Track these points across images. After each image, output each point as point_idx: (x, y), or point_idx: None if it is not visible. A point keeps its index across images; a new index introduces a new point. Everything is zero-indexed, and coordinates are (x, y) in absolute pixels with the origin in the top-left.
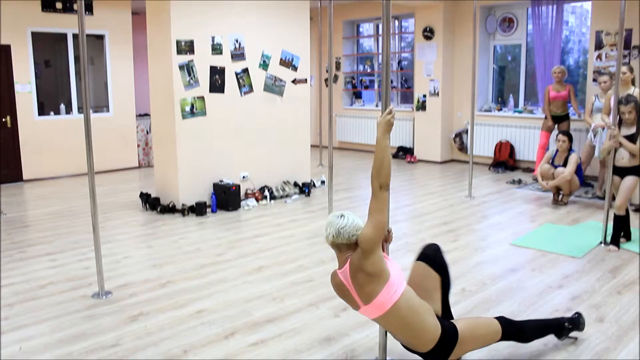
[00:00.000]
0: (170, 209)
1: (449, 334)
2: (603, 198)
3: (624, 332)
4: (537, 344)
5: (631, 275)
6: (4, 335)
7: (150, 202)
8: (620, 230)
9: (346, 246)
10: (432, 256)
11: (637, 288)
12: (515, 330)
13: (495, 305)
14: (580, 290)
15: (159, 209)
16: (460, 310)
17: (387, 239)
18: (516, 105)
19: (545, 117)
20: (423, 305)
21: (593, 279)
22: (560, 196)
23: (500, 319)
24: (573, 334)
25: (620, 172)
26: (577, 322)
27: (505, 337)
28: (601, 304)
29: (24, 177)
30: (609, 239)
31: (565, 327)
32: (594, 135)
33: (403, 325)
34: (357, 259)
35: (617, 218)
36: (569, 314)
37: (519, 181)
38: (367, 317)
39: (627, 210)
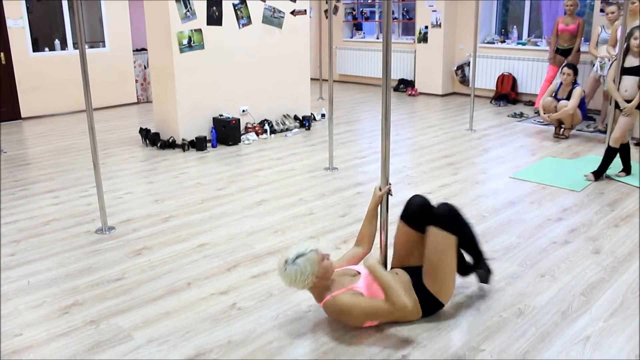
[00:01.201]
0: (170, 144)
1: (427, 298)
2: (605, 132)
3: (619, 263)
4: (529, 274)
5: (629, 208)
6: (12, 270)
7: (150, 138)
8: (609, 163)
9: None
10: (451, 222)
11: (634, 221)
12: (461, 222)
13: (493, 237)
14: (578, 223)
15: (159, 145)
16: None
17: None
18: (520, 37)
19: (550, 50)
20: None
21: (591, 212)
22: (562, 129)
23: (453, 229)
24: (479, 276)
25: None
26: (485, 268)
27: (455, 231)
28: (598, 236)
29: (22, 115)
30: (608, 172)
31: (480, 259)
32: (601, 68)
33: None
34: (330, 311)
35: (609, 149)
36: (566, 246)
37: (521, 114)
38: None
39: (627, 144)
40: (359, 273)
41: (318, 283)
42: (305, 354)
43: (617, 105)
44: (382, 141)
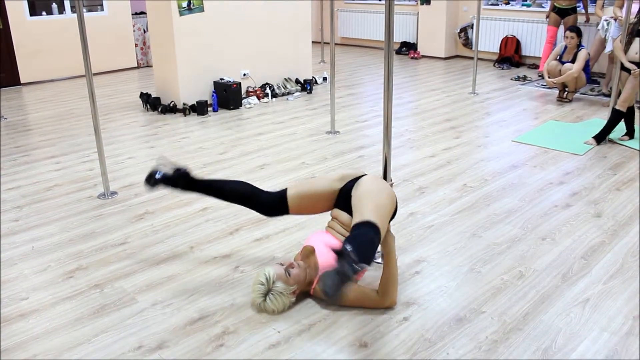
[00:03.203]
0: (171, 109)
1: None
2: (609, 95)
3: (620, 226)
4: (530, 237)
5: (631, 172)
6: (16, 235)
7: (151, 103)
8: (613, 126)
9: None
10: None
11: (636, 185)
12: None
13: (495, 201)
14: (580, 186)
15: (159, 109)
16: (461, 205)
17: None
18: None
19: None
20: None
21: (593, 176)
22: (565, 93)
23: None
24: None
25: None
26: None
27: None
28: (600, 200)
29: (22, 81)
30: (611, 135)
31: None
32: (606, 31)
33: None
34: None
35: (615, 112)
36: (568, 210)
37: (524, 77)
38: None
39: (632, 108)
40: (313, 251)
41: (300, 289)
42: (307, 315)
43: (623, 68)
44: (385, 104)
